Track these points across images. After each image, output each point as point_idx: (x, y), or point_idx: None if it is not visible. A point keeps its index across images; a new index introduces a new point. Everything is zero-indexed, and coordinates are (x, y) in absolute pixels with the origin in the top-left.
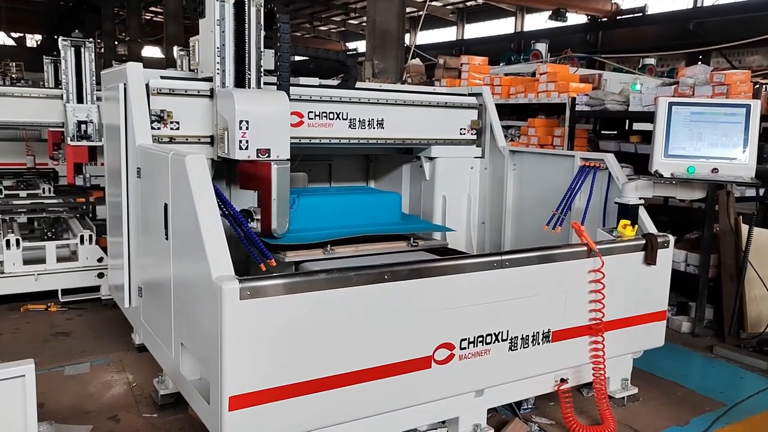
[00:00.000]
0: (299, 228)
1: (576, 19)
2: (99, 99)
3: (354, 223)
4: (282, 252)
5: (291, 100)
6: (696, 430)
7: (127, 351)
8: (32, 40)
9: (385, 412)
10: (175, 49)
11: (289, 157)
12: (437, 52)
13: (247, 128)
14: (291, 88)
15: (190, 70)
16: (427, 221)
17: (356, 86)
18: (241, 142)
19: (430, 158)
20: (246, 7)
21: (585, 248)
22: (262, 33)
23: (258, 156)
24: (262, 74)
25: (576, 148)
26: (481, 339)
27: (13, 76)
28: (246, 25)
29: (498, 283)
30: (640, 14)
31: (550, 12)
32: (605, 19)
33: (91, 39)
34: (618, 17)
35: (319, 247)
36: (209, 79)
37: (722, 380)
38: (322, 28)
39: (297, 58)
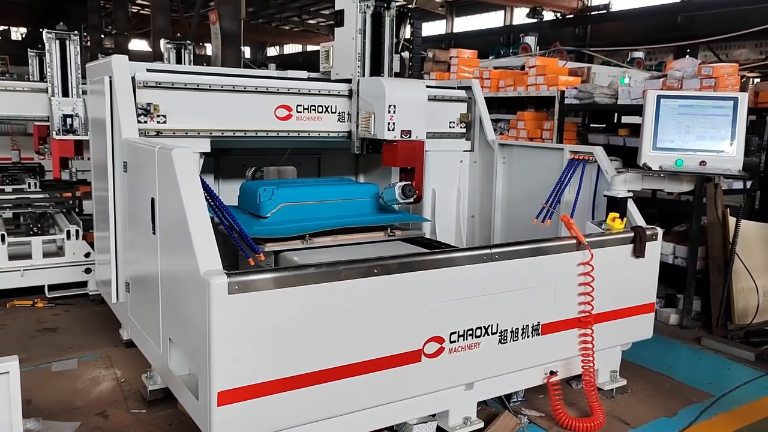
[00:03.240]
0: (279, 220)
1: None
2: (85, 92)
3: (332, 213)
4: (261, 243)
5: (279, 93)
6: (684, 420)
7: (115, 346)
8: (17, 32)
9: (375, 405)
10: (162, 42)
11: (425, 138)
12: (427, 45)
13: (394, 112)
14: (278, 81)
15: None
16: (404, 212)
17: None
18: (389, 124)
19: None
20: (382, 18)
21: (574, 241)
22: (394, 40)
23: (402, 136)
24: (393, 75)
25: (565, 141)
26: (470, 332)
27: None
28: (382, 32)
29: (487, 276)
30: (605, 11)
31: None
32: (571, 15)
33: (76, 32)
34: (585, 14)
35: (298, 238)
36: (347, 81)
37: (710, 371)
38: (311, 21)
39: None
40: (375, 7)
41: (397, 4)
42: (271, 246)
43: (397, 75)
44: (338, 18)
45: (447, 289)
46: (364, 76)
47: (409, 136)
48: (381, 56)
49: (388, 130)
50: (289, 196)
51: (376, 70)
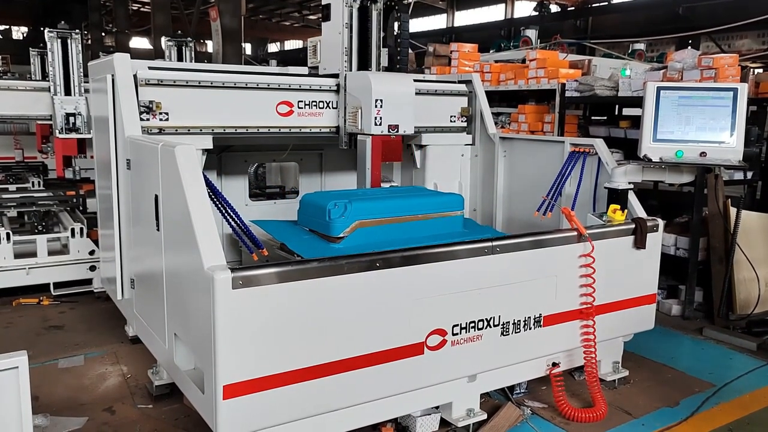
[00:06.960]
0: (355, 243)
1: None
2: (87, 91)
3: (417, 233)
4: None
5: (279, 89)
6: (686, 410)
7: (121, 343)
8: (18, 32)
9: (379, 398)
10: (163, 39)
11: (413, 133)
12: (427, 39)
13: (381, 106)
14: (280, 77)
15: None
16: (489, 227)
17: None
18: (376, 118)
19: (421, 146)
20: (369, 12)
21: (575, 233)
22: (381, 34)
23: (389, 131)
24: (381, 70)
25: (566, 134)
26: (473, 325)
27: None
28: (369, 26)
29: (489, 268)
30: (606, 3)
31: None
32: (573, 8)
33: (77, 30)
34: (587, 6)
35: None
36: (335, 76)
37: (712, 361)
38: (311, 17)
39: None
40: (362, 1)
41: None
42: None
43: (386, 69)
44: (325, 12)
45: (449, 282)
46: (351, 70)
47: (397, 131)
48: (368, 50)
49: (375, 124)
50: (366, 212)
51: (364, 64)
